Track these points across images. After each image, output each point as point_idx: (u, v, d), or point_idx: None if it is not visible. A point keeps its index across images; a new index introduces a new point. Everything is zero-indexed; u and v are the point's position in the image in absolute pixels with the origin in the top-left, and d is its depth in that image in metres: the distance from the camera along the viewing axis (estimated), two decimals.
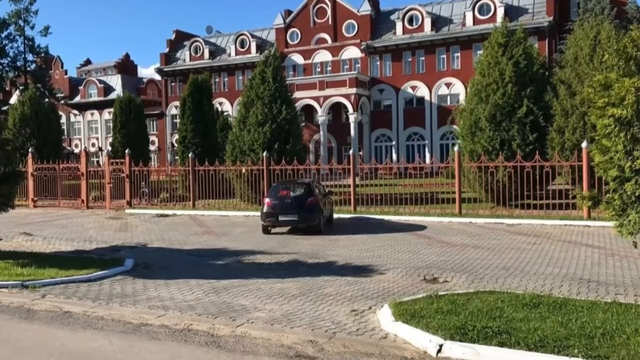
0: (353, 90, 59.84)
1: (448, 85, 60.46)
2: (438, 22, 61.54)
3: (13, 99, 68.62)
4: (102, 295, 12.58)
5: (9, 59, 71.09)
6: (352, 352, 8.63)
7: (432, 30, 60.93)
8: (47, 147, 42.10)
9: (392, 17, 64.18)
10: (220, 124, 44.35)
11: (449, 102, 59.43)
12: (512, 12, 57.07)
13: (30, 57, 73.28)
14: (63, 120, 74.34)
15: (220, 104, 66.70)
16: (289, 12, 69.17)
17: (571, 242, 18.87)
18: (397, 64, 63.00)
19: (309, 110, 62.82)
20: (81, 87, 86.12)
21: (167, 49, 77.54)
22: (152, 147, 66.98)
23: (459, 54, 60.05)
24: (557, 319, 9.17)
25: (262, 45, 69.31)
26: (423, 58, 61.85)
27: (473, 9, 59.03)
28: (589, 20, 31.39)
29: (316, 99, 61.11)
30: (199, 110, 41.71)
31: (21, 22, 70.42)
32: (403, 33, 62.32)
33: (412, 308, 10.07)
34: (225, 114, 51.51)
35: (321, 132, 61.69)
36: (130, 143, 43.59)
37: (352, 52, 64.92)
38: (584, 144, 23.89)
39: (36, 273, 14.45)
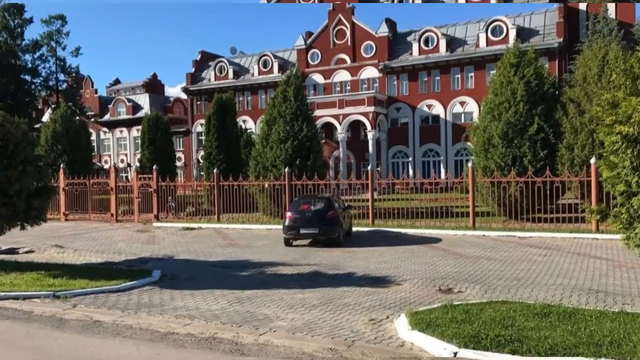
0: (371, 109, 59.80)
1: (462, 103, 60.30)
2: (453, 43, 61.46)
3: (45, 117, 69.05)
4: (131, 305, 12.69)
5: (41, 78, 71.32)
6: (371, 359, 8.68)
7: (447, 50, 60.86)
8: (77, 163, 42.31)
9: (409, 38, 64.15)
10: (244, 141, 44.58)
11: (463, 120, 59.27)
12: (523, 34, 56.93)
13: (61, 76, 73.51)
14: (93, 137, 74.70)
15: (244, 121, 66.96)
16: (309, 34, 69.25)
17: (580, 254, 18.83)
18: (413, 84, 62.95)
19: (328, 127, 62.83)
20: (110, 106, 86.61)
21: (193, 69, 77.88)
22: (178, 163, 67.22)
23: (472, 74, 59.92)
24: (566, 328, 9.20)
25: (284, 66, 69.53)
26: (438, 78, 61.73)
27: (486, 31, 58.90)
28: (598, 42, 31.30)
29: (336, 117, 61.12)
30: (223, 128, 42.02)
31: (53, 44, 70.87)
32: (419, 54, 62.25)
33: (427, 317, 10.13)
34: (248, 131, 51.67)
35: (340, 149, 61.62)
36: (157, 159, 43.62)
37: (370, 72, 64.94)
38: (592, 160, 23.88)
39: (67, 284, 14.58)
